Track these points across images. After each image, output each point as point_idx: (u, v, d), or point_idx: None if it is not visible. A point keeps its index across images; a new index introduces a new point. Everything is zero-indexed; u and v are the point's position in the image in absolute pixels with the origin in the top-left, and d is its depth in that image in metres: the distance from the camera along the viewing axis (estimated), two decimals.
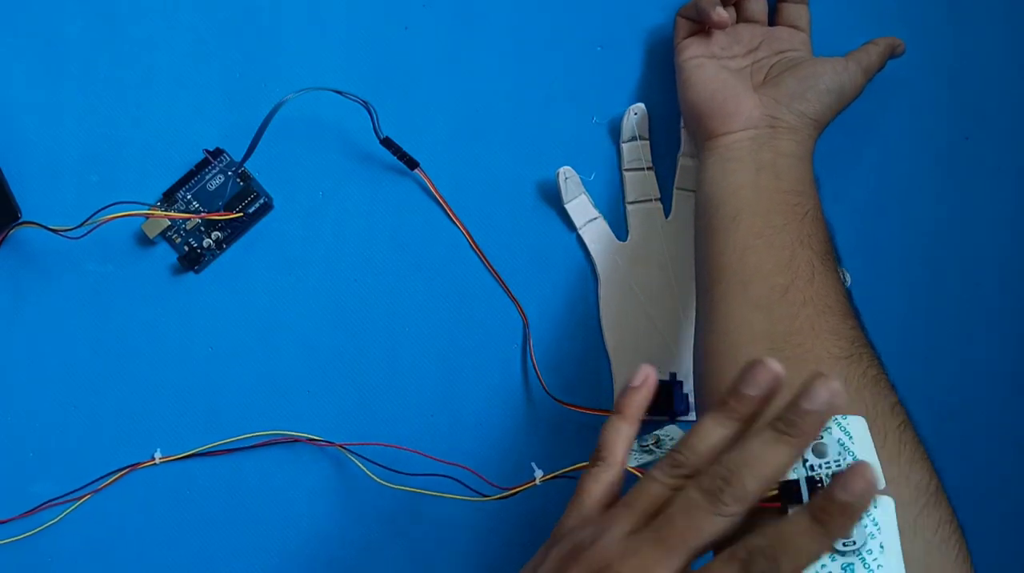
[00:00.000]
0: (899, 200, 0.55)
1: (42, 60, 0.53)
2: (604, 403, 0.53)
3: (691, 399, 0.52)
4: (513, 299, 0.53)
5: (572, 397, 0.52)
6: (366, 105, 0.51)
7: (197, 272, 0.53)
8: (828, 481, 0.33)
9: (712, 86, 0.49)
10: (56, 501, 0.51)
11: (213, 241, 0.52)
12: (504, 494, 0.48)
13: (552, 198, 0.54)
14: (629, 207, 0.54)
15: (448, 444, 0.52)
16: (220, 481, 0.51)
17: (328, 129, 0.54)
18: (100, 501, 0.51)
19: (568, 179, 0.52)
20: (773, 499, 0.34)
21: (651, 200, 0.54)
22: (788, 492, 0.34)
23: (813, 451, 0.34)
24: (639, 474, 0.40)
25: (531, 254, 0.54)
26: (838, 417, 0.35)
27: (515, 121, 0.54)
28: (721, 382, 0.40)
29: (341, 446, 0.51)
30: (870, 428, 0.35)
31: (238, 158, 0.52)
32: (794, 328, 0.39)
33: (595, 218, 0.53)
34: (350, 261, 0.53)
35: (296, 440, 0.51)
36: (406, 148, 0.53)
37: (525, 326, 0.53)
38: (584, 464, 0.38)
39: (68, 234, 0.49)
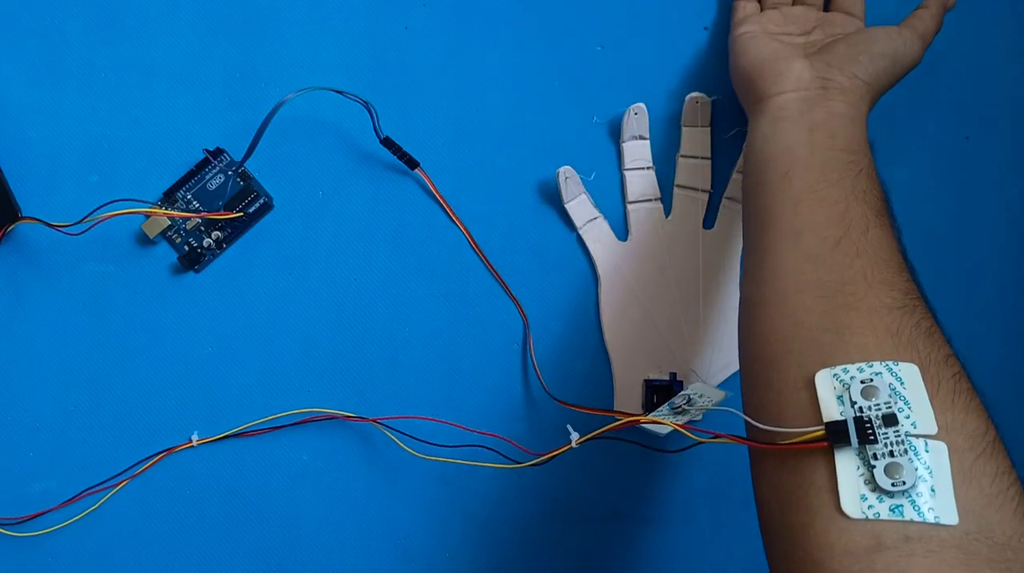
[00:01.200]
0: (899, 200, 0.55)
1: (42, 60, 0.53)
2: (604, 403, 0.53)
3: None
4: (513, 299, 0.53)
5: (572, 397, 0.52)
6: (366, 105, 0.51)
7: (197, 272, 0.53)
8: (878, 422, 0.33)
9: (763, 51, 0.49)
10: (92, 489, 0.51)
11: (213, 241, 0.52)
12: (540, 460, 0.47)
13: (552, 198, 0.54)
14: (629, 207, 0.54)
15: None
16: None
17: (328, 129, 0.54)
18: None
19: (568, 179, 0.52)
20: (820, 439, 0.34)
21: (651, 200, 0.54)
22: (836, 432, 0.34)
23: (862, 394, 0.34)
24: (680, 429, 0.40)
25: (531, 254, 0.54)
26: (889, 363, 0.34)
27: (515, 121, 0.54)
28: (770, 331, 0.39)
29: (374, 421, 0.51)
30: (923, 376, 0.34)
31: (238, 158, 0.52)
32: (847, 277, 0.38)
33: (595, 218, 0.53)
34: (350, 261, 0.53)
35: (331, 417, 0.52)
36: (406, 148, 0.53)
37: (525, 326, 0.53)
38: (615, 423, 0.39)
39: (68, 230, 0.50)
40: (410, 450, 0.51)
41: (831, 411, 0.35)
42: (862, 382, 0.34)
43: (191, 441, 0.51)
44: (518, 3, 0.55)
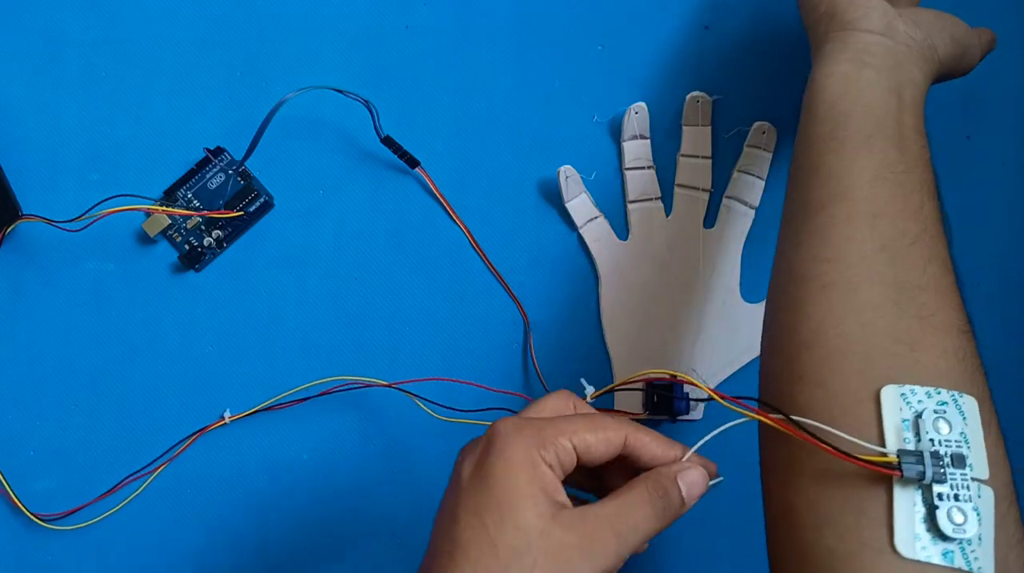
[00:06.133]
0: None
1: (42, 58, 0.53)
2: (604, 402, 0.53)
3: (691, 398, 0.52)
4: (514, 298, 0.53)
5: None
6: (367, 104, 0.51)
7: (198, 270, 0.53)
8: (947, 461, 0.31)
9: None
10: (131, 477, 0.51)
11: (214, 239, 0.52)
12: None
13: (553, 197, 0.54)
14: (630, 206, 0.54)
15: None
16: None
17: (329, 128, 0.54)
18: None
19: (569, 178, 0.52)
20: (889, 465, 0.31)
21: (652, 199, 0.54)
22: (909, 464, 0.31)
23: (934, 425, 0.32)
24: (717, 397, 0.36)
25: (532, 253, 0.54)
26: (955, 393, 0.32)
27: (516, 120, 0.54)
28: (829, 320, 0.34)
29: (395, 385, 0.51)
30: (980, 413, 0.32)
31: (239, 156, 0.52)
32: (921, 283, 0.34)
33: (596, 217, 0.53)
34: (350, 260, 0.53)
35: (360, 385, 0.52)
36: (407, 147, 0.53)
37: (526, 325, 0.53)
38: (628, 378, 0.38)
39: (67, 226, 0.50)
40: (431, 413, 0.51)
41: (898, 438, 0.32)
42: (935, 411, 0.32)
43: (223, 419, 0.51)
44: (518, 3, 0.55)
